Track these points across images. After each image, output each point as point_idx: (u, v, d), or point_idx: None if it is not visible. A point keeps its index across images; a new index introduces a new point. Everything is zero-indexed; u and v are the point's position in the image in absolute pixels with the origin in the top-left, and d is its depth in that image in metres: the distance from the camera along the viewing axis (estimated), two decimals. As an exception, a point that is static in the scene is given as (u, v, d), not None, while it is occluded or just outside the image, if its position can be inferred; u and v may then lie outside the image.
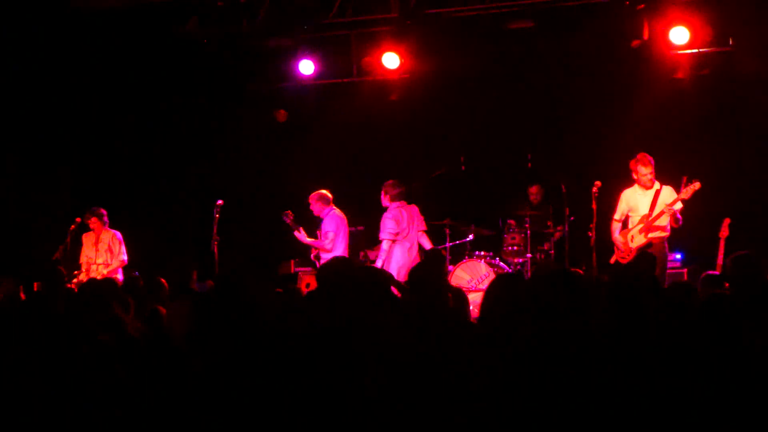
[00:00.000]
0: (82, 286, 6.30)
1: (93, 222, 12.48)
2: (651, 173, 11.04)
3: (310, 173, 13.97)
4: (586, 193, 11.70)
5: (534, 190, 13.35)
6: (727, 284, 7.45)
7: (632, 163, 11.13)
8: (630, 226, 11.27)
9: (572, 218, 12.47)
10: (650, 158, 11.05)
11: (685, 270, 11.81)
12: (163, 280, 8.62)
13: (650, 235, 11.02)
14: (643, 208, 11.10)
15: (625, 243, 11.18)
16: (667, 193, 11.02)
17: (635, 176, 11.15)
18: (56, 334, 5.05)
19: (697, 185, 10.81)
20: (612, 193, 11.79)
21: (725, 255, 11.19)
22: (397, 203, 11.69)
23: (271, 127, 14.42)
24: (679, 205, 10.85)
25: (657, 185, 11.12)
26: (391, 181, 11.80)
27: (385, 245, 11.57)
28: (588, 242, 11.55)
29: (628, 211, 11.32)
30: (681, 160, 11.80)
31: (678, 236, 11.41)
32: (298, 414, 4.27)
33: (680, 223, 10.92)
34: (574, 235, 12.33)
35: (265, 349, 4.64)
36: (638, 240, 11.05)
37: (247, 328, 4.83)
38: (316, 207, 12.09)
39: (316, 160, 14.21)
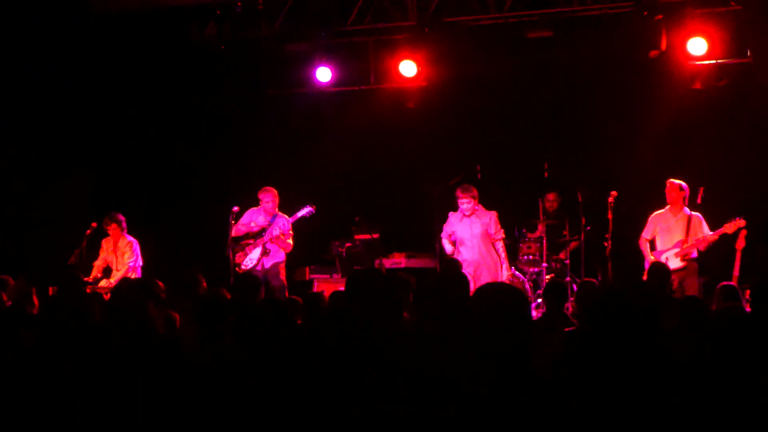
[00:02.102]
0: (115, 287, 6.37)
1: (112, 228, 12.42)
2: (670, 198, 11.33)
3: (327, 180, 13.98)
4: (602, 202, 11.70)
5: (551, 197, 13.29)
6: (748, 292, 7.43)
7: None
8: (660, 247, 11.35)
9: (588, 228, 12.44)
10: (673, 185, 11.21)
11: (701, 281, 11.75)
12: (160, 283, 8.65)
13: (686, 259, 11.18)
14: (678, 232, 11.21)
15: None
16: (696, 222, 11.15)
17: None
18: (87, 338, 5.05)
19: (742, 222, 10.91)
20: (628, 203, 11.78)
21: (741, 266, 11.18)
22: None
23: (288, 134, 14.44)
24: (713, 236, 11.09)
25: (686, 211, 11.24)
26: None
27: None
28: (604, 252, 11.54)
29: (658, 232, 11.41)
30: (698, 171, 11.79)
31: (694, 247, 11.42)
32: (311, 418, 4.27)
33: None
34: (590, 244, 12.30)
35: (278, 353, 4.63)
36: (674, 263, 11.09)
37: (260, 334, 4.82)
38: (274, 203, 12.44)
39: (333, 167, 14.20)
